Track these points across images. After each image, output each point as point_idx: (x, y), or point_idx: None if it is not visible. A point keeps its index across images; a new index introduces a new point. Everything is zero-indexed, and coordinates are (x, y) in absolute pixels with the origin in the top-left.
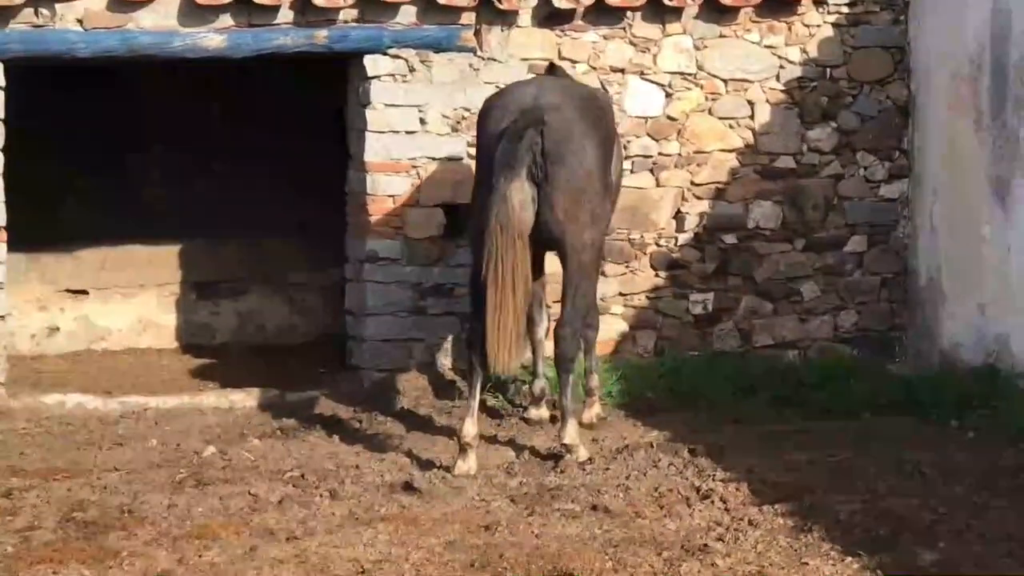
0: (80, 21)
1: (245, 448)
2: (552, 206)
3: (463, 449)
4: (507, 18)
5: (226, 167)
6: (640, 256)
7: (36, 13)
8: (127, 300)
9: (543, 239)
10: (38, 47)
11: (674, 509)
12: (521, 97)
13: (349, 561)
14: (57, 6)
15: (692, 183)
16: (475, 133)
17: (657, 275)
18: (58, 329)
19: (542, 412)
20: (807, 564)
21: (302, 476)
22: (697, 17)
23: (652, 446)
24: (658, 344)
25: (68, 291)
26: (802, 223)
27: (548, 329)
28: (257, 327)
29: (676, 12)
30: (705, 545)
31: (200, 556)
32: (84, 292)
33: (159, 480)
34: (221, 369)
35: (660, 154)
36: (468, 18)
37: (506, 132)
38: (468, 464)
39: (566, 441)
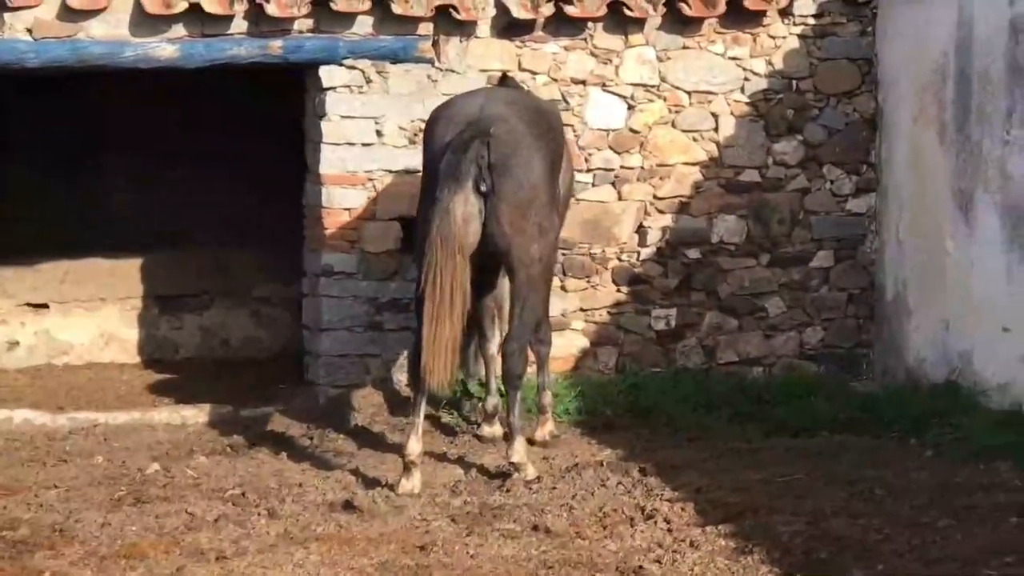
0: (29, 31)
1: (190, 465)
2: (498, 219)
3: (407, 467)
4: (465, 29)
5: (187, 176)
6: (601, 271)
7: None
8: (89, 314)
9: (490, 252)
10: None
11: (616, 530)
12: (468, 108)
13: None
14: (5, 15)
15: (655, 197)
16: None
17: (619, 290)
18: (18, 343)
19: (495, 429)
20: None
21: (243, 494)
22: (660, 28)
23: (602, 465)
24: (620, 360)
25: (28, 305)
26: (767, 238)
27: (500, 344)
28: (221, 341)
29: (638, 23)
30: (641, 567)
31: None
32: (45, 306)
33: (98, 498)
34: (180, 384)
35: (622, 167)
36: (426, 28)
37: (451, 144)
38: (412, 483)
39: (514, 459)
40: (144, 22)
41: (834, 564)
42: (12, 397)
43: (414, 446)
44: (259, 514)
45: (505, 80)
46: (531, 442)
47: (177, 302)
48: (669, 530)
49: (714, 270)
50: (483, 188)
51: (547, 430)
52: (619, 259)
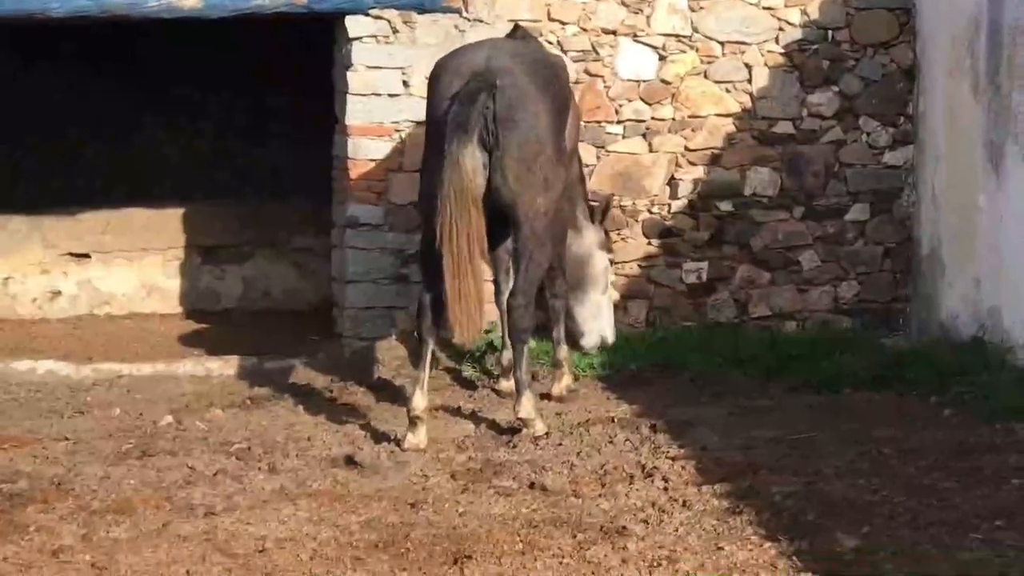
0: None
1: (205, 418)
2: (504, 172)
3: (412, 422)
4: None
5: (230, 128)
6: (632, 223)
7: None
8: (130, 264)
9: (495, 206)
10: (12, 7)
11: (614, 488)
12: (473, 60)
13: (255, 539)
14: None
15: (686, 149)
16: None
17: (649, 243)
18: (60, 293)
19: (510, 384)
20: (722, 549)
21: (248, 448)
22: None
23: (614, 421)
24: (650, 314)
25: (70, 255)
26: (801, 190)
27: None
28: (263, 292)
29: None
30: (624, 528)
31: (107, 532)
32: (87, 256)
33: (105, 451)
34: (216, 335)
35: (653, 119)
36: None
37: (457, 96)
38: (418, 438)
39: (521, 415)
40: None
41: (821, 527)
42: (44, 347)
43: (419, 401)
44: (259, 469)
45: (516, 31)
46: (547, 397)
47: (219, 253)
48: (665, 489)
49: (747, 223)
50: (488, 142)
51: (563, 385)
52: (650, 211)
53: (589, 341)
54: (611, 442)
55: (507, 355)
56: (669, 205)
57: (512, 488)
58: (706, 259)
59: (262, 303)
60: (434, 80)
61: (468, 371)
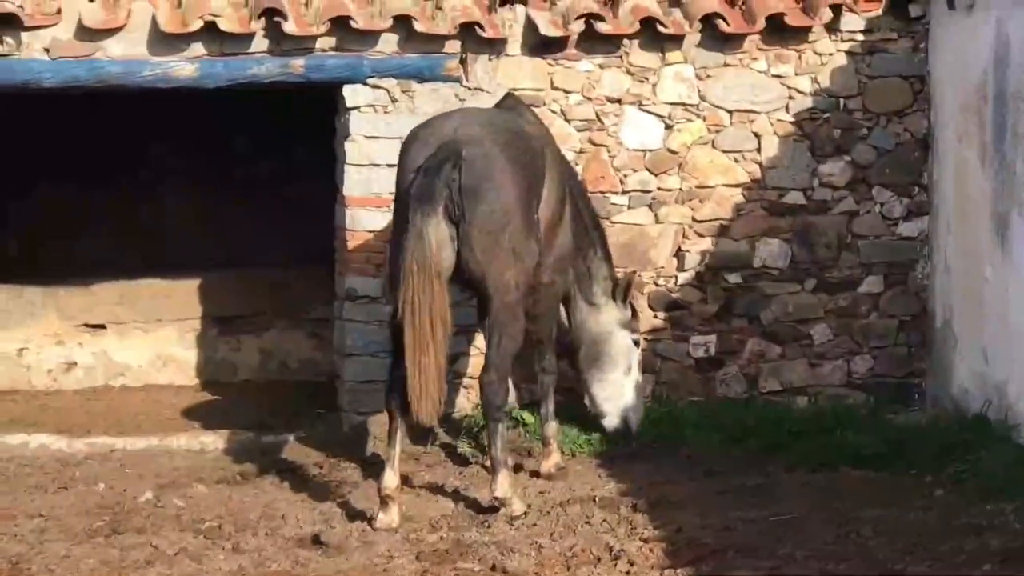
0: (47, 50)
1: (187, 494)
2: (471, 245)
3: (383, 501)
4: (495, 47)
5: (244, 198)
6: (637, 296)
7: (1, 42)
8: (146, 335)
9: (465, 280)
10: (3, 77)
11: (577, 571)
12: (442, 129)
13: None
14: (23, 35)
15: (693, 219)
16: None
17: (656, 316)
18: (75, 364)
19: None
20: None
21: (219, 527)
22: (699, 45)
23: (595, 500)
24: (657, 389)
25: (86, 325)
26: (813, 262)
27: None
28: (280, 363)
29: (676, 40)
30: None
31: None
32: (102, 327)
33: (76, 528)
34: (225, 408)
35: (659, 188)
36: (453, 47)
37: (423, 166)
38: (389, 516)
39: (497, 494)
40: (162, 41)
41: None
42: (52, 419)
43: (390, 479)
44: (223, 548)
45: (506, 99)
46: (537, 475)
47: (235, 323)
48: (627, 573)
49: (756, 295)
50: (454, 214)
51: (552, 463)
52: (656, 284)
53: (610, 423)
54: (588, 522)
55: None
56: (676, 277)
57: (474, 571)
58: (714, 332)
59: (279, 374)
60: (403, 150)
61: (463, 447)
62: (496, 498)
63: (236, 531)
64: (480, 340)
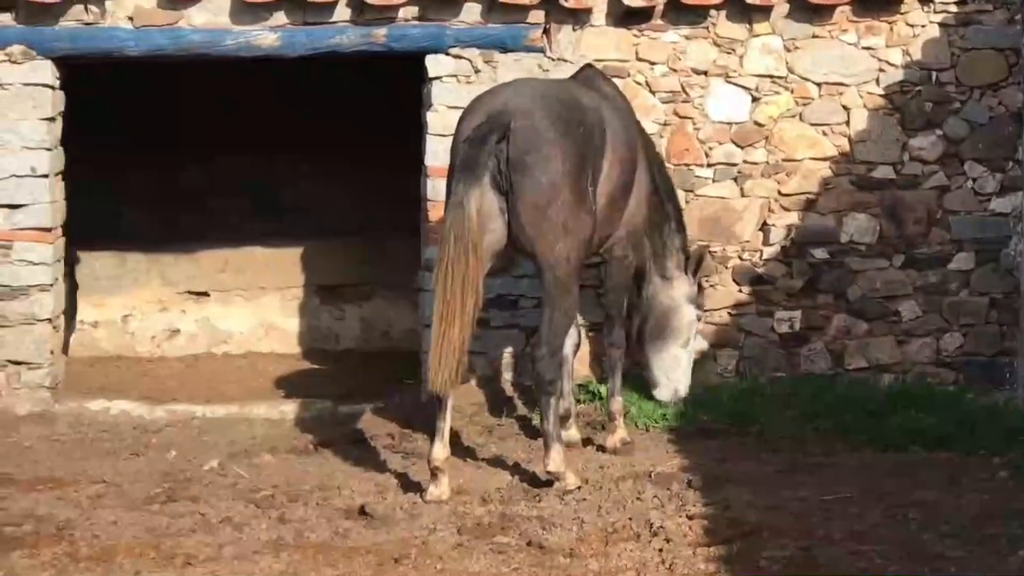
0: (130, 18)
1: (253, 463)
2: (518, 217)
3: (433, 473)
4: (579, 17)
5: (350, 167)
6: (721, 270)
7: (86, 10)
8: (248, 303)
9: (518, 252)
10: (87, 45)
11: (614, 548)
12: (494, 100)
13: None
14: (107, 3)
15: (779, 193)
16: None
17: (740, 290)
18: (179, 331)
19: (571, 434)
20: None
21: (272, 496)
22: (788, 16)
23: (651, 476)
24: (740, 364)
25: (189, 293)
26: (902, 238)
27: (579, 345)
28: (382, 332)
29: (764, 11)
30: None
31: None
32: (205, 294)
33: (133, 495)
34: (321, 376)
35: (745, 162)
36: (537, 17)
37: (469, 136)
38: (440, 489)
39: (550, 468)
40: (245, 10)
41: None
42: (152, 386)
43: (439, 451)
44: (269, 518)
45: (584, 70)
46: (602, 449)
47: (338, 292)
48: (661, 550)
49: (843, 271)
50: (503, 186)
51: (618, 438)
52: (740, 258)
53: (663, 393)
54: (639, 498)
55: (563, 404)
56: (761, 251)
57: (508, 545)
58: (799, 308)
59: (381, 343)
60: (459, 121)
61: (537, 420)
62: (549, 472)
63: (288, 501)
64: None
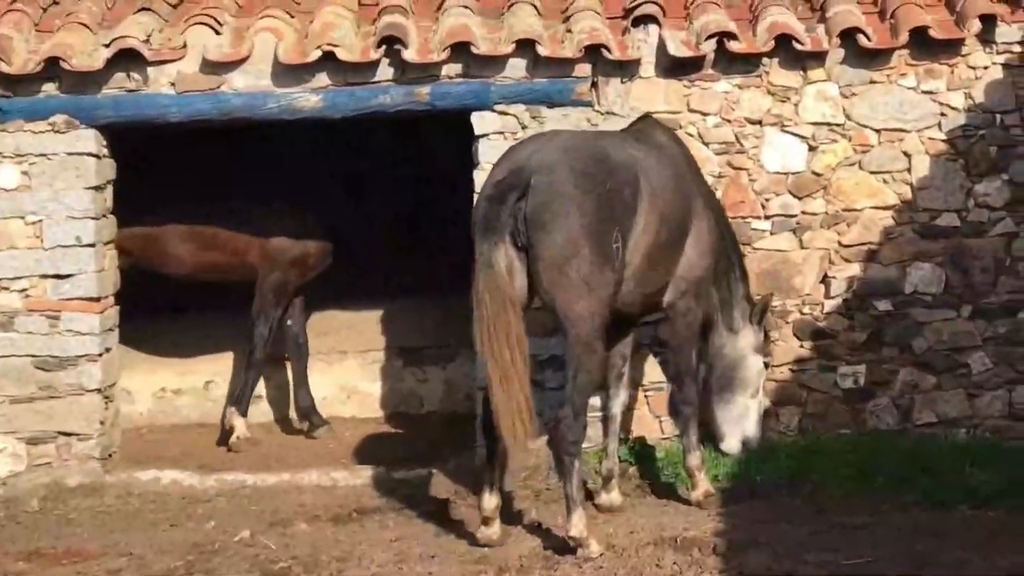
0: (172, 84)
1: (285, 532)
2: (537, 275)
3: (484, 520)
4: (626, 69)
5: (423, 230)
6: (781, 324)
7: (128, 77)
8: (329, 367)
9: (544, 308)
10: (130, 112)
11: None
12: (517, 155)
13: None
14: (149, 70)
15: (840, 244)
16: None
17: (801, 346)
18: (261, 397)
19: (613, 497)
20: None
21: (288, 568)
22: (843, 62)
23: (677, 541)
24: (803, 421)
25: (270, 358)
26: (968, 287)
27: (624, 403)
28: (466, 394)
29: (818, 57)
30: None
31: None
32: (286, 359)
33: (153, 569)
34: (391, 441)
35: (803, 212)
36: (583, 70)
37: (488, 195)
38: (492, 530)
39: (572, 533)
40: (287, 72)
41: None
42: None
43: (488, 501)
44: None
45: (641, 120)
46: (687, 503)
47: (420, 354)
48: None
49: (908, 323)
50: (521, 243)
51: (701, 491)
52: (801, 312)
53: (729, 445)
54: (658, 565)
55: (606, 465)
56: (822, 304)
57: None
58: (863, 362)
59: (464, 405)
60: (489, 174)
61: (592, 482)
62: (571, 537)
63: (303, 573)
64: None
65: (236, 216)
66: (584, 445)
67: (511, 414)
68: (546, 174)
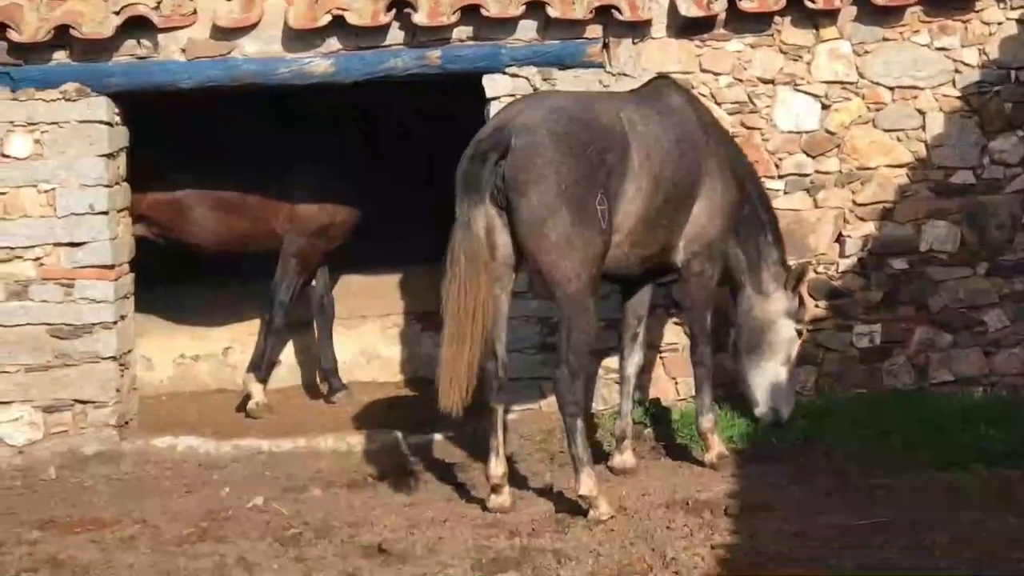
0: (183, 51)
1: (298, 499)
2: (519, 237)
3: (493, 488)
4: (638, 30)
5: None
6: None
7: (139, 44)
8: (348, 332)
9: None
10: (141, 79)
11: None
12: (503, 117)
13: None
14: (160, 37)
15: (854, 203)
16: None
17: (816, 305)
18: (280, 362)
19: (626, 459)
20: None
21: (300, 533)
22: (855, 20)
23: (689, 504)
24: (819, 381)
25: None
26: (984, 245)
27: (639, 365)
28: None
29: (830, 15)
30: None
31: None
32: (306, 324)
33: (165, 536)
34: (409, 405)
35: (817, 172)
36: (594, 31)
37: (470, 155)
38: (502, 498)
39: (581, 492)
40: (297, 37)
41: None
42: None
43: (495, 467)
44: (286, 556)
45: (654, 80)
46: (702, 465)
47: (439, 318)
48: None
49: (924, 281)
50: (501, 202)
51: (715, 453)
52: (816, 271)
53: (761, 412)
54: (669, 527)
55: (619, 425)
56: (837, 264)
57: None
58: (879, 321)
59: None
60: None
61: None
62: (580, 496)
63: (315, 538)
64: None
65: (261, 183)
66: (600, 407)
67: (451, 375)
68: (527, 135)
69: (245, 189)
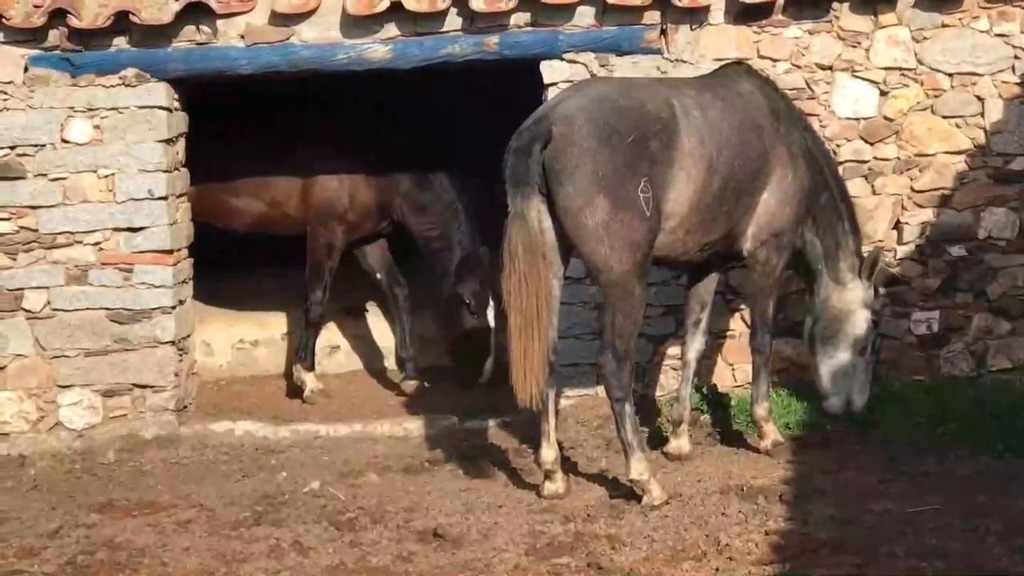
0: (242, 36)
1: (355, 483)
2: (560, 223)
3: (547, 475)
4: (695, 16)
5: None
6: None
7: (198, 30)
8: (410, 318)
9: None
10: (200, 65)
11: (670, 569)
12: (546, 105)
13: None
14: (219, 23)
15: (912, 190)
16: None
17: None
18: (338, 348)
19: (681, 444)
20: None
21: (355, 518)
22: (914, 6)
23: (744, 490)
24: (876, 368)
25: (347, 310)
26: None
27: (700, 351)
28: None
29: (889, 1)
30: None
31: None
32: (364, 310)
33: (221, 520)
34: (469, 391)
35: (875, 158)
36: (652, 17)
37: (514, 147)
38: (556, 485)
39: (632, 476)
40: (355, 24)
41: None
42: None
43: (547, 454)
44: (342, 541)
45: (727, 67)
46: (757, 451)
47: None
48: (718, 569)
49: (982, 268)
50: (544, 192)
51: (769, 441)
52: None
53: (832, 404)
54: (723, 513)
55: (676, 410)
56: (895, 251)
57: (567, 567)
58: (937, 308)
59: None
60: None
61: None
62: (631, 480)
63: (370, 523)
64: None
65: (285, 168)
66: (658, 393)
67: (523, 368)
68: (565, 125)
69: (261, 173)
